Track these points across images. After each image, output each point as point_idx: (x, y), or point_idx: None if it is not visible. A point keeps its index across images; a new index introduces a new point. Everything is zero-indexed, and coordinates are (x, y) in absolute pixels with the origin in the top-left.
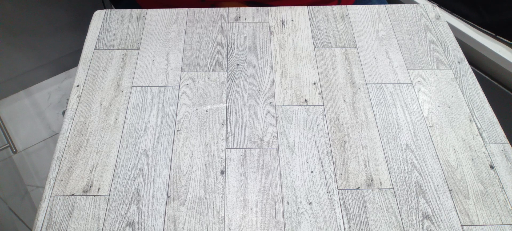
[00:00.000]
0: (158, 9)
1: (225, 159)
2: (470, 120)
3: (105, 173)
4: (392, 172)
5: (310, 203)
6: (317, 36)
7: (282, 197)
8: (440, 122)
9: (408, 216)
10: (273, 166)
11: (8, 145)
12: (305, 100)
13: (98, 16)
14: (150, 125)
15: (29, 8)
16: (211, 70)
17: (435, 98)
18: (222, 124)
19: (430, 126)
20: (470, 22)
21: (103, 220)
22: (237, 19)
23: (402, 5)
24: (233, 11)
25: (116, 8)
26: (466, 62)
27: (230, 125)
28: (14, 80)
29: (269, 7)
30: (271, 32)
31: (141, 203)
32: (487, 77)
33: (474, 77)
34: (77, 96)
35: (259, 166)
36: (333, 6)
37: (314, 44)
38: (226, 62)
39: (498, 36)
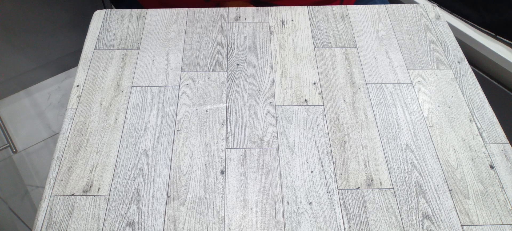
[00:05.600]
0: (158, 9)
1: (225, 159)
2: (470, 120)
3: (105, 173)
4: (392, 172)
5: (310, 203)
6: (317, 36)
7: (282, 197)
8: (440, 122)
9: (408, 216)
10: (273, 166)
11: (8, 145)
12: (305, 100)
13: (98, 16)
14: (150, 125)
15: (29, 8)
16: (211, 70)
17: (435, 98)
18: (222, 124)
19: (430, 126)
20: (470, 22)
21: (103, 220)
22: (237, 19)
23: (402, 5)
24: (233, 11)
25: (117, 8)
26: (466, 62)
27: (230, 125)
28: (14, 80)
29: (269, 7)
30: (271, 32)
31: (141, 203)
32: (487, 77)
33: (474, 77)
34: (77, 96)
35: (259, 166)
36: (333, 6)
37: (314, 44)
38: (226, 62)
39: (498, 36)
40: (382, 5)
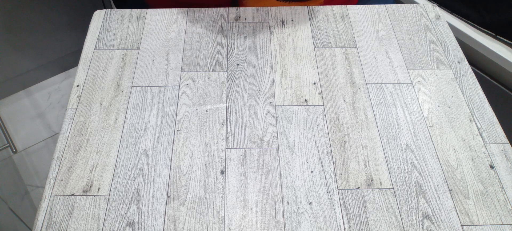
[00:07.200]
0: (158, 9)
1: (225, 159)
2: (470, 120)
3: (105, 173)
4: (392, 172)
5: (310, 203)
6: (317, 36)
7: (282, 197)
8: (440, 122)
9: (408, 216)
10: (273, 166)
11: (8, 145)
12: (305, 100)
13: (98, 16)
14: (150, 125)
15: (29, 8)
16: (211, 70)
17: (435, 98)
18: (222, 124)
19: (430, 126)
20: (470, 22)
21: (103, 220)
22: (237, 19)
23: (402, 5)
24: (233, 11)
25: (119, 8)
26: (466, 62)
27: (230, 125)
28: (14, 80)
29: (269, 7)
30: (271, 32)
31: (141, 203)
32: (487, 77)
33: (474, 77)
34: (77, 96)
35: (259, 166)
36: (333, 6)
37: (314, 44)
38: (226, 62)
39: (498, 36)
40: (382, 5)
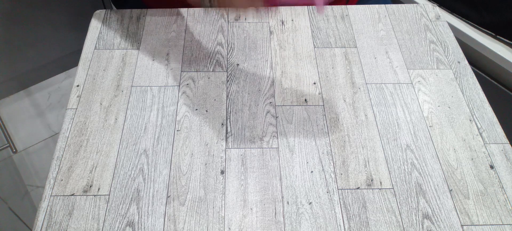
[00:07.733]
0: (158, 9)
1: (225, 159)
2: (470, 120)
3: (105, 173)
4: (392, 172)
5: (310, 203)
6: (317, 36)
7: (282, 197)
8: (440, 122)
9: (408, 216)
10: (273, 166)
11: (8, 145)
12: (305, 100)
13: (98, 16)
14: (150, 125)
15: (29, 8)
16: (211, 70)
17: (435, 98)
18: (222, 124)
19: (430, 126)
20: (470, 22)
21: (103, 220)
22: (237, 19)
23: (402, 5)
24: (233, 11)
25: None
26: (466, 62)
27: (230, 125)
28: (14, 80)
29: (269, 7)
30: (271, 32)
31: (141, 203)
32: (487, 77)
33: (474, 77)
34: (77, 96)
35: (259, 166)
36: (333, 6)
37: (314, 44)
38: (226, 62)
39: (498, 36)
40: (382, 5)
